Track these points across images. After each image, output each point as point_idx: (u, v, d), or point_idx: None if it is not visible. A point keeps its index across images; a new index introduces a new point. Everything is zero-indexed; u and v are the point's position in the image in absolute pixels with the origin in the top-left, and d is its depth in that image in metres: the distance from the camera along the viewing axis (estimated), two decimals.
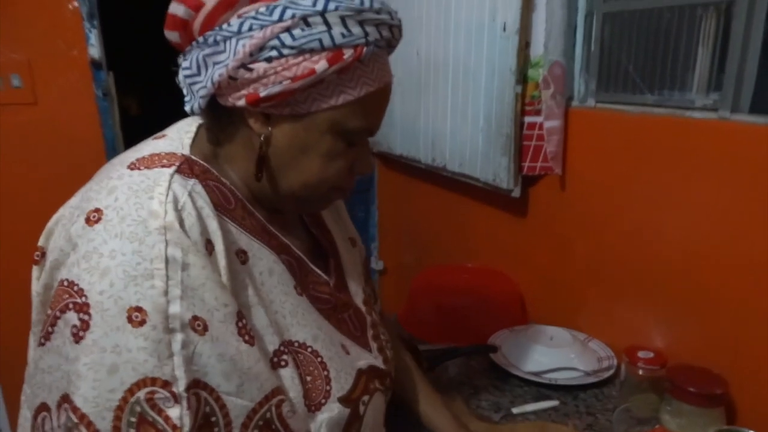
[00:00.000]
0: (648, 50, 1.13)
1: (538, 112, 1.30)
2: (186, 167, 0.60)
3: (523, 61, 1.27)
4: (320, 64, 0.57)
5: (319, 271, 0.73)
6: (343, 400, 0.66)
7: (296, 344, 0.64)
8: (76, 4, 1.51)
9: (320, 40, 0.56)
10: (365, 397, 0.70)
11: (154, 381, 0.52)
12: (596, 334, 1.29)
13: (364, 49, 0.58)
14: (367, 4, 0.58)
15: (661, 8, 1.09)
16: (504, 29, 1.29)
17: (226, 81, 0.58)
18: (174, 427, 0.52)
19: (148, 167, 0.59)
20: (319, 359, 0.66)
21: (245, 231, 0.63)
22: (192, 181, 0.59)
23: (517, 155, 1.33)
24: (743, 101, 0.98)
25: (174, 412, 0.52)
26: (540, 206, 1.41)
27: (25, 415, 0.63)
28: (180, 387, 0.53)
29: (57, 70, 1.53)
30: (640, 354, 1.07)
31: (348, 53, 0.57)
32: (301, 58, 0.57)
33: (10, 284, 1.57)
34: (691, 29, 1.05)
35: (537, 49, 1.27)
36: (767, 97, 0.97)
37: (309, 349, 0.65)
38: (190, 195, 0.58)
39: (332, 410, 0.64)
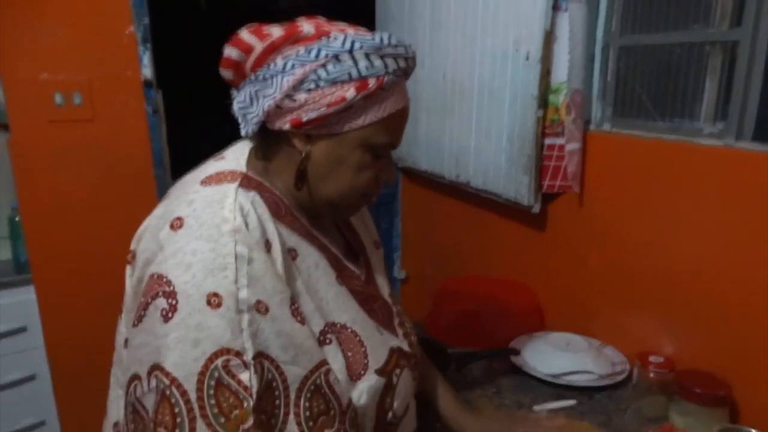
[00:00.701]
0: (660, 81, 1.24)
1: (557, 134, 1.41)
2: (246, 182, 0.73)
3: (545, 88, 1.38)
4: (349, 93, 0.70)
5: (352, 267, 0.85)
6: (379, 372, 0.78)
7: (338, 325, 0.77)
8: (132, 29, 1.65)
9: (349, 73, 0.70)
10: (397, 370, 0.82)
11: (228, 351, 0.64)
12: (610, 341, 1.38)
13: (385, 78, 0.71)
14: (386, 41, 0.71)
15: (672, 44, 1.20)
16: (527, 58, 1.40)
17: (274, 110, 0.72)
18: (245, 388, 0.64)
19: (217, 183, 0.73)
20: (358, 338, 0.78)
21: (295, 233, 0.76)
22: (252, 193, 0.73)
23: (537, 174, 1.44)
24: (746, 130, 1.08)
25: (245, 376, 0.64)
26: (558, 222, 1.52)
27: (116, 392, 0.77)
28: (249, 356, 0.64)
29: (113, 89, 1.66)
30: (652, 359, 1.16)
31: (372, 82, 0.70)
32: (334, 88, 0.70)
33: (64, 285, 1.70)
34: (699, 63, 1.16)
35: (557, 77, 1.38)
36: None
37: (349, 330, 0.78)
38: (252, 204, 0.71)
39: (370, 380, 0.77)
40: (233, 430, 0.63)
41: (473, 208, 1.82)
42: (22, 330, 1.77)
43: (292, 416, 0.68)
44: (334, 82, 0.70)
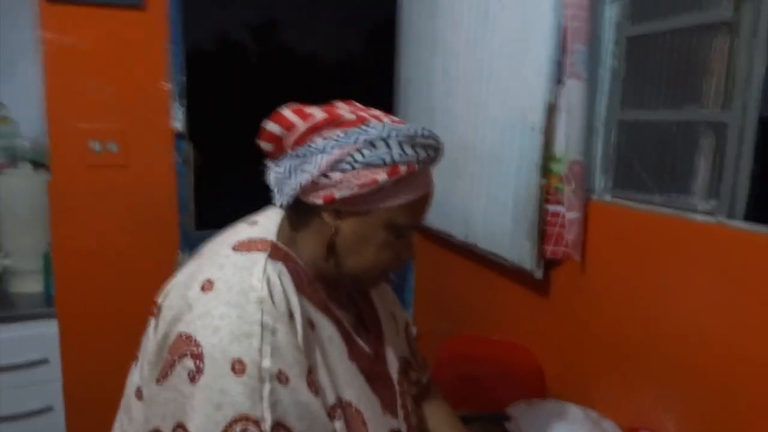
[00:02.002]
0: (657, 156, 1.27)
1: (560, 202, 1.44)
2: (274, 252, 0.78)
3: (547, 157, 1.43)
4: (381, 176, 0.75)
5: (362, 344, 0.88)
6: None
7: (344, 402, 0.80)
8: (166, 84, 1.79)
9: (383, 159, 0.75)
10: None
11: (247, 418, 0.67)
12: (609, 412, 1.35)
13: (416, 165, 0.76)
14: (419, 132, 0.77)
15: (669, 121, 1.24)
16: (532, 129, 1.45)
17: (310, 185, 0.76)
18: None
19: (247, 250, 0.78)
20: (361, 417, 0.81)
21: (313, 305, 0.80)
22: (279, 264, 0.77)
23: (539, 240, 1.46)
24: (738, 208, 1.09)
25: None
26: (561, 288, 1.53)
27: None
28: (267, 426, 0.67)
29: (146, 139, 1.79)
30: None
31: (403, 169, 0.75)
32: (367, 171, 0.75)
33: (85, 322, 1.79)
34: (692, 142, 1.19)
35: (562, 147, 1.42)
36: (761, 205, 1.08)
37: (354, 408, 0.80)
38: (279, 275, 0.76)
39: None
40: None
41: (481, 269, 1.84)
42: (44, 362, 1.85)
43: None
44: (368, 165, 0.74)
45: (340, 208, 0.78)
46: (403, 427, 0.89)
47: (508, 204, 1.57)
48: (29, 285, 2.02)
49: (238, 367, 0.67)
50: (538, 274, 1.49)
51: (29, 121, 2.23)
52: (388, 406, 0.88)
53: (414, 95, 2.10)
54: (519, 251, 1.52)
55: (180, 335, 0.71)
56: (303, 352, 0.73)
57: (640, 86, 1.32)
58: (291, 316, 0.74)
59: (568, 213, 1.40)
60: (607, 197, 1.40)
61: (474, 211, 1.74)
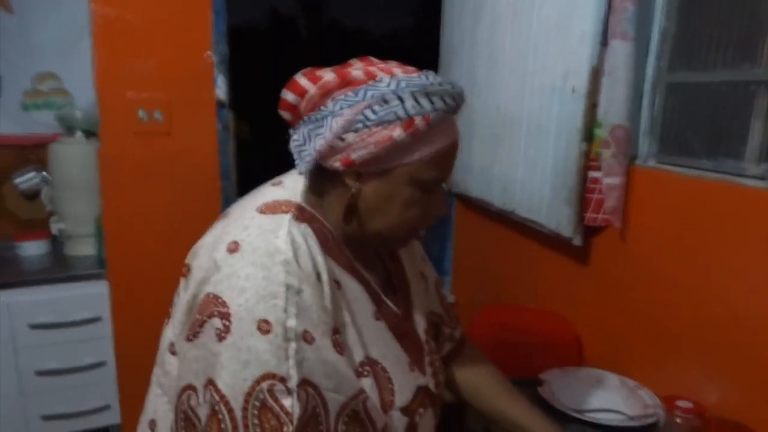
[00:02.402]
0: (706, 119, 1.22)
1: (601, 168, 1.40)
2: (299, 214, 0.77)
3: (590, 121, 1.39)
4: (397, 132, 0.72)
5: (390, 303, 0.87)
6: (403, 410, 0.81)
7: (371, 360, 0.79)
8: (210, 53, 1.82)
9: (396, 113, 0.72)
10: (421, 410, 0.85)
11: (274, 376, 0.67)
12: (647, 382, 1.33)
13: (432, 116, 0.73)
14: (431, 80, 0.73)
15: (719, 82, 1.18)
16: (573, 91, 1.41)
17: (326, 149, 0.74)
18: (287, 413, 0.67)
19: (272, 212, 0.77)
20: (387, 375, 0.81)
21: (339, 266, 0.79)
22: (304, 225, 0.76)
23: (579, 206, 1.43)
24: None
25: (287, 402, 0.67)
26: (600, 255, 1.50)
27: (156, 391, 0.83)
28: (293, 383, 0.67)
29: (189, 107, 1.83)
30: (679, 403, 1.12)
31: (418, 121, 0.72)
32: (381, 128, 0.72)
33: (134, 283, 1.87)
34: (745, 103, 1.13)
35: (603, 111, 1.38)
36: None
37: (379, 365, 0.80)
38: (304, 237, 0.75)
39: (394, 417, 0.79)
40: None
41: (519, 237, 1.82)
42: (97, 320, 1.96)
43: None
44: (381, 123, 0.72)
45: (360, 170, 0.75)
46: (431, 384, 0.89)
47: (547, 170, 1.54)
48: (83, 248, 2.12)
49: (264, 326, 0.67)
50: (577, 241, 1.46)
51: (82, 93, 2.33)
52: (416, 362, 0.88)
53: (457, 66, 2.07)
54: (558, 218, 1.50)
55: (208, 295, 0.71)
56: (329, 313, 0.73)
57: (690, 46, 1.26)
58: (318, 276, 0.73)
59: (607, 178, 1.36)
60: (652, 162, 1.36)
61: (513, 178, 1.72)
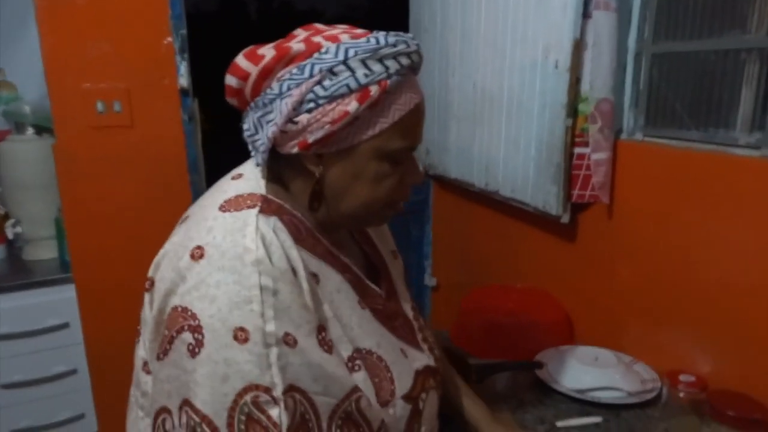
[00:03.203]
0: (694, 89, 1.20)
1: (587, 144, 1.37)
2: (266, 207, 0.70)
3: (574, 96, 1.36)
4: (351, 105, 0.66)
5: (373, 286, 0.82)
6: (406, 398, 0.77)
7: (364, 351, 0.74)
8: (170, 39, 1.71)
9: (347, 85, 0.66)
10: (423, 395, 0.80)
11: (257, 387, 0.62)
12: (641, 357, 1.34)
13: (388, 82, 0.67)
14: (382, 41, 0.67)
15: (707, 51, 1.16)
16: (556, 67, 1.38)
17: (279, 135, 0.69)
18: (274, 424, 0.62)
19: (236, 209, 0.69)
20: (383, 363, 0.76)
21: (315, 256, 0.73)
22: (273, 219, 0.69)
23: (566, 184, 1.41)
24: None
25: (274, 412, 0.62)
26: (588, 232, 1.48)
27: (136, 413, 0.76)
28: (278, 391, 0.63)
29: (151, 97, 1.72)
30: (682, 377, 1.12)
31: (374, 90, 0.67)
32: (334, 104, 0.67)
33: (102, 285, 1.77)
34: (735, 71, 1.11)
35: (587, 85, 1.35)
36: None
37: (374, 355, 0.75)
38: (274, 231, 0.68)
39: (397, 406, 0.75)
40: None
41: (503, 217, 1.80)
42: (65, 326, 1.85)
43: None
44: (333, 98, 0.66)
45: (320, 151, 0.70)
46: (431, 360, 0.86)
47: (531, 148, 1.51)
48: (43, 251, 2.00)
49: (240, 335, 0.62)
50: (565, 218, 1.44)
51: (31, 85, 2.17)
52: (410, 343, 0.84)
53: (428, 43, 2.01)
54: (544, 196, 1.47)
55: (175, 309, 0.65)
56: (311, 310, 0.68)
57: (674, 15, 1.24)
58: (294, 272, 0.67)
59: (594, 154, 1.34)
60: (639, 136, 1.34)
61: (495, 157, 1.68)
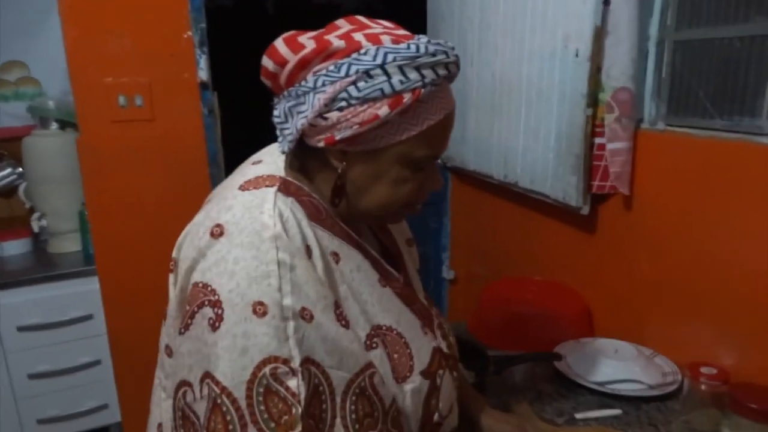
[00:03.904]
0: (718, 77, 1.18)
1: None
2: (284, 187, 0.72)
3: (594, 85, 1.34)
4: (382, 110, 0.67)
5: (391, 269, 0.83)
6: (424, 374, 0.78)
7: (384, 328, 0.76)
8: (189, 33, 1.72)
9: (381, 90, 0.67)
10: (440, 371, 0.82)
11: (276, 359, 0.64)
12: (662, 350, 1.32)
13: (422, 91, 0.67)
14: (422, 50, 0.67)
15: (732, 37, 1.14)
16: (576, 55, 1.36)
17: (308, 128, 0.71)
18: (293, 394, 0.64)
19: (255, 187, 0.72)
20: (403, 340, 0.77)
21: (336, 236, 0.75)
22: (291, 198, 0.71)
23: (586, 174, 1.39)
24: None
25: (293, 383, 0.64)
26: (608, 224, 1.46)
27: (159, 394, 0.78)
28: (296, 363, 0.64)
29: (171, 91, 1.74)
30: (703, 370, 1.10)
31: (407, 97, 0.67)
32: (366, 106, 0.67)
33: (125, 277, 1.80)
34: (761, 58, 1.09)
35: (606, 73, 1.33)
36: None
37: (394, 332, 0.77)
38: (291, 210, 0.70)
39: (416, 381, 0.76)
40: None
41: (522, 209, 1.78)
42: (88, 317, 1.89)
43: (339, 419, 0.68)
44: (365, 100, 0.67)
45: (345, 148, 0.71)
46: (443, 345, 0.87)
47: (551, 139, 1.50)
48: (67, 244, 2.04)
49: (259, 309, 0.64)
50: (585, 210, 1.43)
51: (54, 81, 2.22)
52: (428, 325, 0.85)
53: (446, 32, 2.00)
54: (564, 187, 1.46)
55: (196, 285, 0.67)
56: (326, 286, 0.69)
57: (697, 1, 1.21)
58: (309, 250, 0.69)
59: (610, 143, 1.32)
60: (660, 125, 1.31)
61: (514, 148, 1.66)
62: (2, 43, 2.15)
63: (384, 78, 0.67)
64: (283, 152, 0.75)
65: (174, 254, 0.74)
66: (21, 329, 1.81)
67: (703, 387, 1.09)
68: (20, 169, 2.15)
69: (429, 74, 0.68)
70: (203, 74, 1.77)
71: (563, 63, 1.42)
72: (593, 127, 1.37)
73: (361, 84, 0.67)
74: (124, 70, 1.68)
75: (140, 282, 1.75)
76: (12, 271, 1.91)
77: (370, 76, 0.67)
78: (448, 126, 0.74)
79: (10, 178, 2.18)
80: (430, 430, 0.81)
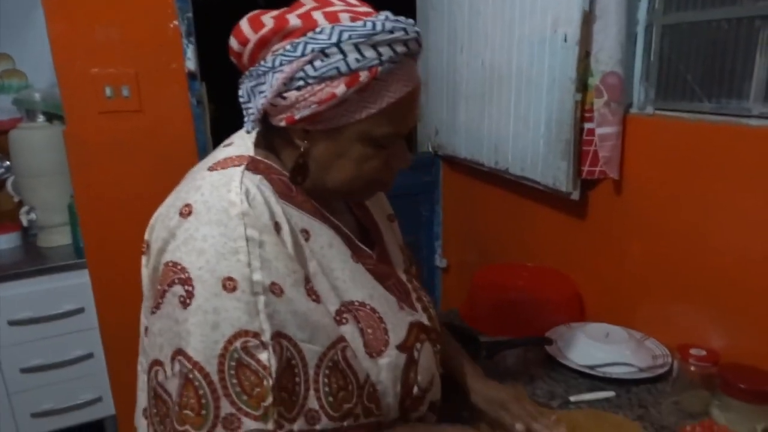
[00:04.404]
0: (706, 60, 1.18)
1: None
2: (252, 165, 0.73)
3: (583, 70, 1.34)
4: (339, 89, 0.67)
5: (363, 247, 0.84)
6: (400, 347, 0.79)
7: (356, 303, 0.77)
8: (176, 22, 1.70)
9: (337, 68, 0.67)
10: (418, 345, 0.83)
11: (246, 333, 0.65)
12: (652, 333, 1.33)
13: (379, 69, 0.67)
14: (378, 27, 0.67)
15: (719, 20, 1.14)
16: (565, 40, 1.36)
17: (269, 107, 0.72)
18: (264, 367, 0.65)
19: (223, 168, 0.73)
20: (377, 315, 0.78)
21: (306, 213, 0.76)
22: (259, 177, 0.72)
23: (576, 160, 1.39)
24: None
25: (263, 356, 0.66)
26: (599, 209, 1.47)
27: (143, 379, 0.78)
28: (266, 336, 0.66)
29: (159, 81, 1.72)
30: (692, 351, 1.11)
31: (363, 75, 0.67)
32: (323, 85, 0.68)
33: (115, 270, 1.79)
34: (749, 40, 1.09)
35: (594, 58, 1.33)
36: None
37: (367, 307, 0.78)
38: (258, 187, 0.71)
39: (391, 356, 0.77)
40: (256, 407, 0.65)
41: (513, 196, 1.79)
42: (80, 311, 1.88)
43: (312, 392, 0.70)
44: (322, 79, 0.67)
45: (306, 127, 0.72)
46: (424, 318, 0.87)
47: (541, 125, 1.50)
48: (57, 238, 2.03)
49: (229, 284, 0.65)
50: (575, 195, 1.43)
51: (40, 73, 2.19)
52: (404, 301, 0.86)
53: (436, 21, 1.99)
54: (554, 173, 1.46)
55: (167, 264, 0.68)
56: (296, 261, 0.70)
57: None
58: (278, 226, 0.70)
59: (600, 128, 1.32)
60: (649, 110, 1.32)
61: (504, 135, 1.66)
62: None
63: (340, 56, 0.67)
64: (248, 132, 0.76)
65: (146, 236, 0.75)
66: (12, 323, 1.80)
67: (692, 369, 1.10)
68: (7, 163, 2.13)
69: (386, 52, 0.68)
70: (191, 64, 1.75)
71: (552, 48, 1.41)
72: (582, 113, 1.37)
73: (317, 63, 0.67)
74: (111, 61, 1.67)
75: (131, 274, 1.72)
76: (2, 265, 1.89)
77: (326, 55, 0.67)
78: (411, 103, 0.73)
79: None
80: (410, 404, 0.82)
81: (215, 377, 0.65)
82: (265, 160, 0.76)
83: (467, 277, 1.72)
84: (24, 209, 2.05)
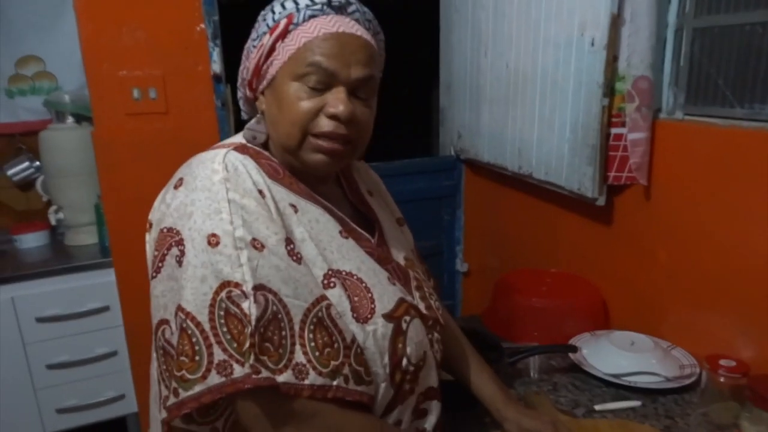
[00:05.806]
0: (739, 64, 1.15)
1: (624, 124, 1.34)
2: (241, 148, 0.81)
3: (611, 75, 1.32)
4: (265, 38, 0.79)
5: (360, 230, 0.88)
6: (387, 317, 0.81)
7: (343, 273, 0.80)
8: (202, 26, 1.72)
9: (267, 24, 0.79)
10: (407, 317, 0.84)
11: (230, 283, 0.70)
12: (679, 342, 1.30)
13: (295, 15, 0.77)
14: None
15: (753, 23, 1.11)
16: (592, 44, 1.34)
17: (240, 82, 0.85)
18: (245, 315, 0.70)
19: (214, 149, 0.82)
20: (364, 284, 0.81)
21: (293, 192, 0.82)
22: (244, 156, 0.79)
23: (602, 165, 1.37)
24: None
25: (245, 305, 0.70)
26: (625, 215, 1.45)
27: (154, 364, 0.82)
28: (248, 287, 0.70)
29: (185, 84, 1.74)
30: (722, 362, 1.09)
31: (283, 22, 0.77)
32: (259, 43, 0.80)
33: (140, 269, 1.81)
34: None
35: (624, 63, 1.31)
36: None
37: (354, 277, 0.81)
38: (241, 162, 0.78)
39: (377, 323, 0.80)
40: (242, 353, 0.69)
41: (536, 201, 1.77)
42: (105, 309, 1.91)
43: (298, 346, 0.73)
44: (258, 38, 0.79)
45: (257, 87, 0.82)
46: (421, 306, 0.89)
47: (566, 129, 1.48)
48: (84, 237, 2.07)
49: (213, 240, 0.71)
50: (601, 201, 1.41)
51: (70, 75, 2.23)
52: (399, 280, 0.88)
53: (460, 24, 1.98)
54: (579, 178, 1.44)
55: (162, 231, 0.75)
56: (278, 224, 0.76)
57: None
58: (262, 193, 0.76)
59: (631, 134, 1.30)
60: (679, 115, 1.29)
61: (529, 139, 1.65)
62: (19, 39, 2.17)
63: (270, 15, 0.79)
64: (243, 118, 0.86)
65: (150, 216, 0.82)
66: (40, 320, 1.84)
67: (721, 379, 1.07)
68: (37, 163, 2.18)
69: (303, 2, 0.77)
70: (216, 67, 1.77)
71: (579, 52, 1.40)
72: (609, 117, 1.35)
73: (257, 26, 0.81)
74: (138, 64, 1.69)
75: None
76: (30, 263, 1.94)
77: (263, 18, 0.80)
78: (333, 45, 0.76)
79: (28, 171, 2.20)
80: (402, 377, 0.83)
81: (207, 326, 0.70)
82: (256, 148, 0.84)
83: (488, 282, 1.70)
84: (52, 208, 2.09)
